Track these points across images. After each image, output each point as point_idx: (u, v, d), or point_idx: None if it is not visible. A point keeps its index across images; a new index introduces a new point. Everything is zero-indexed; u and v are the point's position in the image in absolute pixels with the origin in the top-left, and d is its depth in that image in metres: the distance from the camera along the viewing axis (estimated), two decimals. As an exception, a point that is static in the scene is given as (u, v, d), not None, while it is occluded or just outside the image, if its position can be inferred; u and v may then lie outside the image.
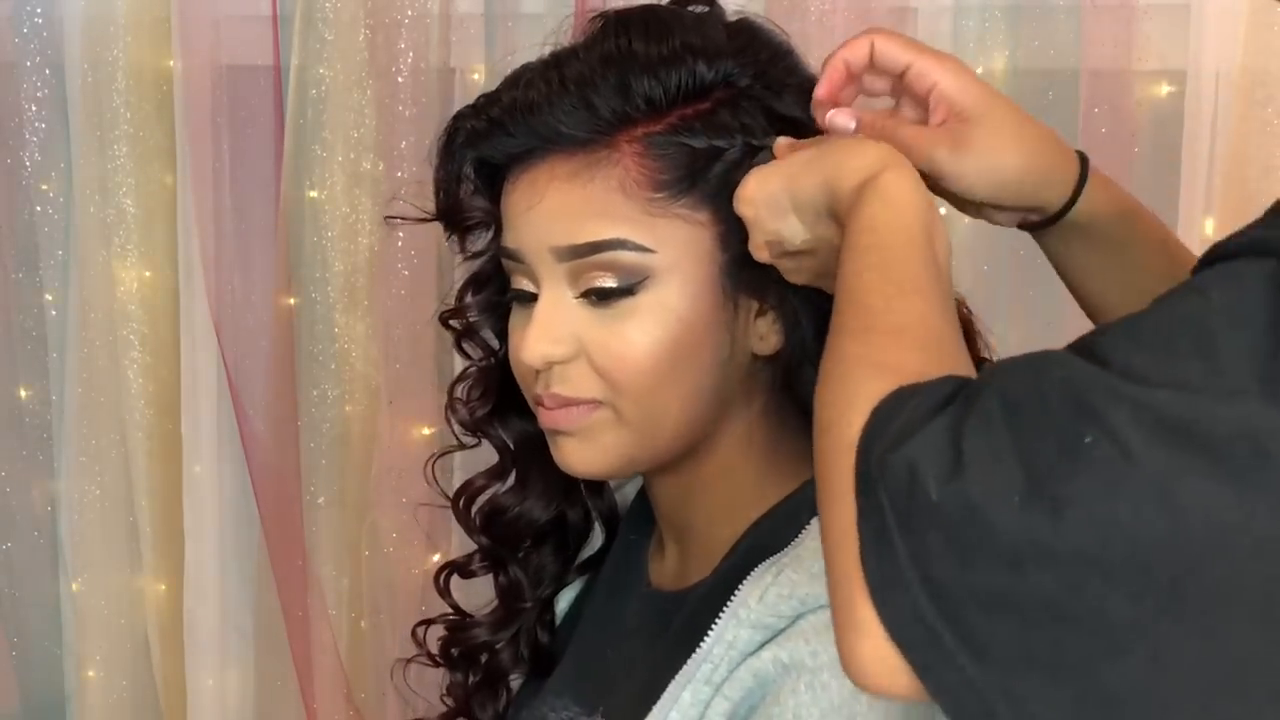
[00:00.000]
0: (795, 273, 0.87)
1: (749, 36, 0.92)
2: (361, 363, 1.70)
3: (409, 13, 1.61)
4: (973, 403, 0.63)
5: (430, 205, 0.99)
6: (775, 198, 0.83)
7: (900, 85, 0.88)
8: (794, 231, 0.84)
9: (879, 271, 0.74)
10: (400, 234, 1.64)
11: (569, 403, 0.90)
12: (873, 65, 0.88)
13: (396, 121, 1.63)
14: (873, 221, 0.76)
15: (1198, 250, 1.44)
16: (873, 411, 0.66)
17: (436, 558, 1.70)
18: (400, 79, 1.62)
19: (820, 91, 0.88)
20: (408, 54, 1.62)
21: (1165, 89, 1.34)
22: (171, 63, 1.73)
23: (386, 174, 1.64)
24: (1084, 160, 0.90)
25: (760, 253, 0.86)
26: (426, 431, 1.69)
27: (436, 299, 1.67)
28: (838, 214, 0.80)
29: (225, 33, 1.73)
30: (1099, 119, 1.37)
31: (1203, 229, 1.35)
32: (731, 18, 0.94)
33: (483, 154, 0.93)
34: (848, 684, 0.79)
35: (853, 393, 0.68)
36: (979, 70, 1.52)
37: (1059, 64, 1.44)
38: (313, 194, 1.67)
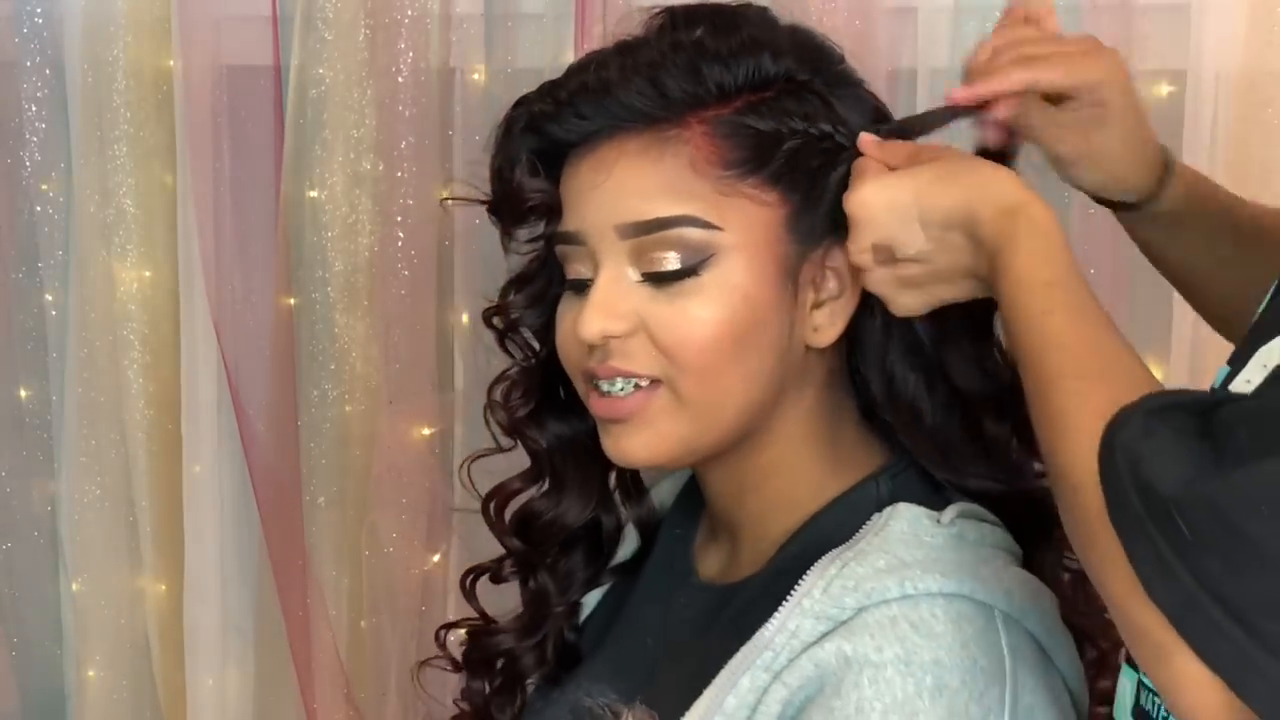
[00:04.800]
0: (889, 282, 0.88)
1: (807, 37, 0.95)
2: (361, 363, 1.70)
3: (409, 13, 1.61)
4: (1219, 432, 0.67)
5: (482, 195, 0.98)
6: (901, 205, 0.85)
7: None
8: (913, 240, 0.85)
9: (1072, 311, 0.77)
10: (400, 234, 1.64)
11: (626, 375, 0.89)
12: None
13: (396, 121, 1.63)
14: (1045, 257, 0.79)
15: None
16: (1119, 449, 0.69)
17: (436, 558, 1.70)
18: (400, 79, 1.62)
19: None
20: (408, 54, 1.62)
21: (1165, 89, 1.34)
22: (171, 63, 1.73)
23: (386, 174, 1.64)
24: (1168, 156, 0.94)
25: (862, 256, 0.87)
26: (426, 431, 1.69)
27: (436, 299, 1.67)
28: (979, 236, 0.82)
29: (225, 33, 1.73)
30: (1099, 119, 1.37)
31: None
32: (786, 23, 0.96)
33: (551, 135, 0.92)
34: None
35: (1089, 436, 0.70)
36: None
37: (1059, 64, 1.43)
38: (313, 194, 1.67)
